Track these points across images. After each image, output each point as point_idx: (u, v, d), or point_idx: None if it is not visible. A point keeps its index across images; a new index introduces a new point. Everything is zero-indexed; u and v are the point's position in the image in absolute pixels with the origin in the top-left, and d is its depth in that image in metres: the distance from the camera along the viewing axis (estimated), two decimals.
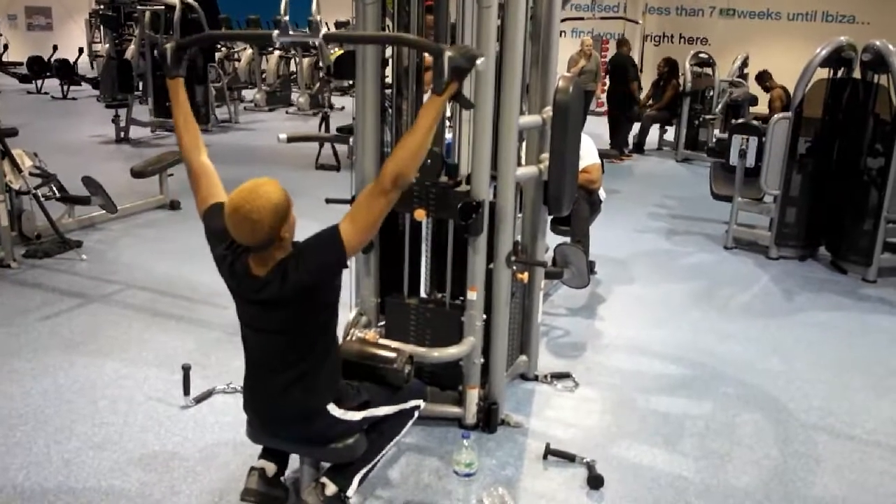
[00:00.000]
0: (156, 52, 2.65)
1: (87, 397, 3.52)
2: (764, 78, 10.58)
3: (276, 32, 2.52)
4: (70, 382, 3.65)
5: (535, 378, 3.81)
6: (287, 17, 2.63)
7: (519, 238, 3.56)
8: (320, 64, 14.53)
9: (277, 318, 2.32)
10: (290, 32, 2.49)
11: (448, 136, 3.49)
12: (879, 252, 5.61)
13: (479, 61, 2.29)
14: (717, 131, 10.78)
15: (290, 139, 3.15)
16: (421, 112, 2.35)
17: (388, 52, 3.27)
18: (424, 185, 3.07)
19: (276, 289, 2.26)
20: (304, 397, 2.37)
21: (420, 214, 3.12)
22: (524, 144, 3.48)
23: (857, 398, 3.85)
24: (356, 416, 2.45)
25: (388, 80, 3.30)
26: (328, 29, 15.29)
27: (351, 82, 12.02)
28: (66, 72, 14.95)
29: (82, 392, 3.57)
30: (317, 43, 2.53)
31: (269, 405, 2.43)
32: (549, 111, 3.30)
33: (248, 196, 2.18)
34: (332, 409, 2.39)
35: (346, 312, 3.19)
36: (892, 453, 3.37)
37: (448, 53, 2.24)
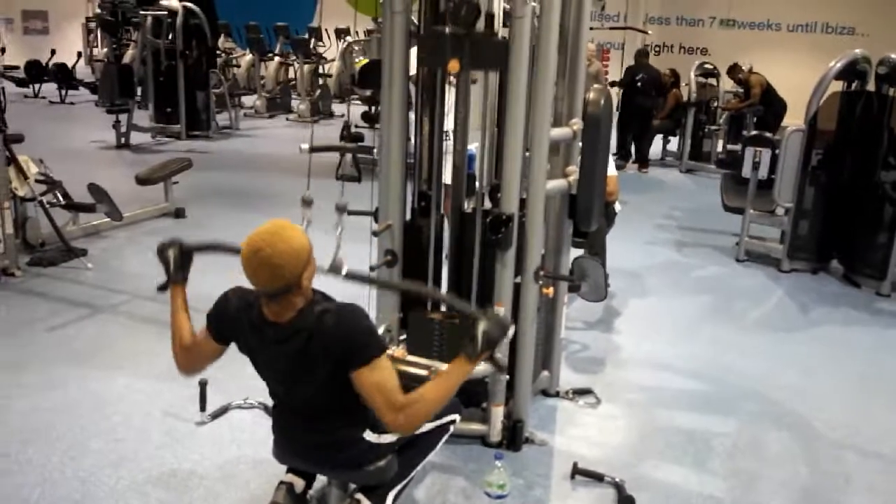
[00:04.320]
0: (157, 256, 2.62)
1: (101, 412, 3.43)
2: (735, 71, 10.48)
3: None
4: (81, 396, 3.56)
5: (557, 394, 3.75)
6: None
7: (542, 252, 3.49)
8: (320, 71, 14.48)
9: (305, 368, 2.22)
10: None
11: (473, 147, 3.41)
12: (894, 266, 5.57)
13: (510, 331, 2.31)
14: (721, 142, 10.73)
15: (313, 149, 3.06)
16: (450, 370, 2.26)
17: (413, 67, 3.20)
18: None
19: (303, 342, 2.16)
20: (339, 429, 2.29)
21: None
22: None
23: (882, 415, 3.80)
24: (390, 438, 2.37)
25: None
26: (328, 34, 15.24)
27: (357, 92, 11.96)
28: (64, 76, 14.85)
29: (95, 407, 3.47)
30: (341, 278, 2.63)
31: (301, 435, 2.35)
32: (577, 123, 3.24)
33: (269, 239, 2.07)
34: (368, 435, 2.31)
35: None
36: None
37: (482, 326, 2.18)
